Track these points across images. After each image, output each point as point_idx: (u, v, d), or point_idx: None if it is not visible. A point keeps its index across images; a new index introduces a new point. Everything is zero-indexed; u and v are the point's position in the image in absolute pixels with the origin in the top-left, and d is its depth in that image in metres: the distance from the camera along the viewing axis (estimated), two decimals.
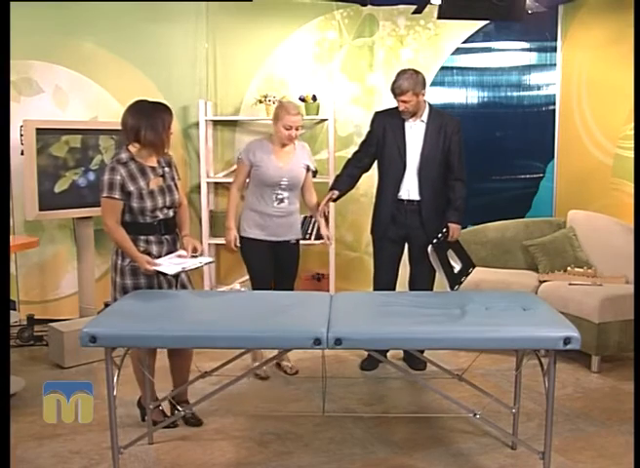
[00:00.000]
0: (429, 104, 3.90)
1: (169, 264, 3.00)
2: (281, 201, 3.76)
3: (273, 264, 3.83)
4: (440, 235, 3.80)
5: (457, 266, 3.84)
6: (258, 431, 3.19)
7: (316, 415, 3.29)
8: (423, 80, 3.80)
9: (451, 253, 3.84)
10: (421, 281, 3.94)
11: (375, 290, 4.00)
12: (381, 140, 3.89)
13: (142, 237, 3.05)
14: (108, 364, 2.56)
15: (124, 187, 2.97)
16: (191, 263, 3.03)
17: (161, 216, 3.08)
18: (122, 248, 3.02)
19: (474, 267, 3.92)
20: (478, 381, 3.38)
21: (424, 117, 3.85)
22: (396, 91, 3.76)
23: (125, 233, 3.01)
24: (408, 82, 3.72)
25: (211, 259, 2.89)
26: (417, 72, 3.79)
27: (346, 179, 3.97)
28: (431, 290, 3.97)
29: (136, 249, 3.00)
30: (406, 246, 4.00)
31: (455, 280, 3.82)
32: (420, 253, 3.88)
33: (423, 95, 3.80)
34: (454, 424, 3.26)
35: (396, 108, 3.86)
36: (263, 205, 3.76)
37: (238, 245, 3.78)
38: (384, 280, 3.97)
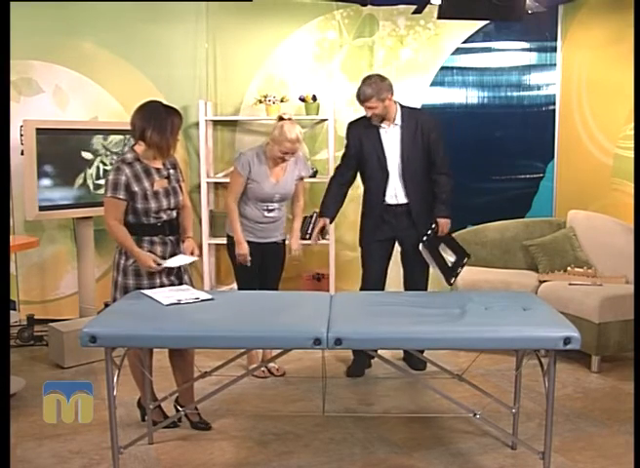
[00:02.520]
0: (401, 106, 3.83)
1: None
2: (271, 211, 3.79)
3: (259, 265, 3.83)
4: (430, 232, 3.78)
5: (450, 259, 3.82)
6: (258, 431, 3.19)
7: (316, 415, 3.29)
8: (389, 85, 3.72)
9: (443, 247, 3.82)
10: (416, 281, 3.93)
11: (361, 290, 3.96)
12: (359, 151, 3.84)
13: (147, 238, 3.06)
14: (108, 364, 2.56)
15: (128, 187, 2.97)
16: (188, 296, 2.91)
17: (165, 218, 3.09)
18: (124, 246, 3.03)
19: (469, 257, 3.90)
20: (478, 381, 3.38)
21: (398, 120, 3.79)
22: (360, 97, 3.71)
23: (126, 231, 3.01)
24: (371, 88, 3.67)
25: (209, 296, 2.90)
26: (382, 78, 3.74)
27: (332, 202, 3.94)
28: (426, 289, 3.96)
29: (137, 246, 3.00)
30: (397, 246, 3.98)
31: (450, 273, 3.81)
32: (413, 252, 3.86)
33: (390, 99, 3.72)
34: (454, 424, 3.26)
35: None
36: (255, 213, 3.77)
37: (249, 258, 3.73)
38: (372, 281, 3.93)
